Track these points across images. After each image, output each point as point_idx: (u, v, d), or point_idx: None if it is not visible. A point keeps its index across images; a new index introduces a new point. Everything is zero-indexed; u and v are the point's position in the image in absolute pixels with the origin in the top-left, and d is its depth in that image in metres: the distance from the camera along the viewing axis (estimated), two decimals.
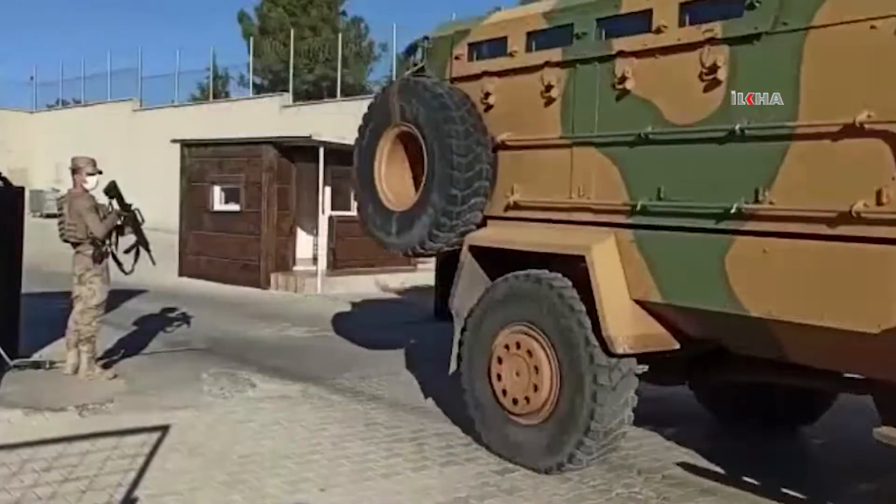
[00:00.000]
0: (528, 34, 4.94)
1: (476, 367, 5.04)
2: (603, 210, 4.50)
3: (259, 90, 29.93)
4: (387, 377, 7.09)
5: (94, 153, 7.06)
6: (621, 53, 4.37)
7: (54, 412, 5.51)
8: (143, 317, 9.56)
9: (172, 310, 9.94)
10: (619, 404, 4.41)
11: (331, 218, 13.93)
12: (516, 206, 5.00)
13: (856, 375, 4.29)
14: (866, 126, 3.40)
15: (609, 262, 4.37)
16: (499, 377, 4.85)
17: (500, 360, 4.84)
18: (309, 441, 5.17)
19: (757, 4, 3.79)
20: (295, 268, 13.79)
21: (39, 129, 34.08)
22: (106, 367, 6.73)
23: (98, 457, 4.62)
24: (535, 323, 4.66)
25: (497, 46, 5.15)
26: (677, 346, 4.51)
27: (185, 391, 6.31)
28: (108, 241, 6.52)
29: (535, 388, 4.62)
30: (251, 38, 29.83)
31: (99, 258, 6.42)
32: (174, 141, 15.10)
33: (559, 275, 4.63)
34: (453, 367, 5.22)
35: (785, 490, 4.51)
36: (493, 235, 5.10)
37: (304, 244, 14.43)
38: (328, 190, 14.06)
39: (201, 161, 14.51)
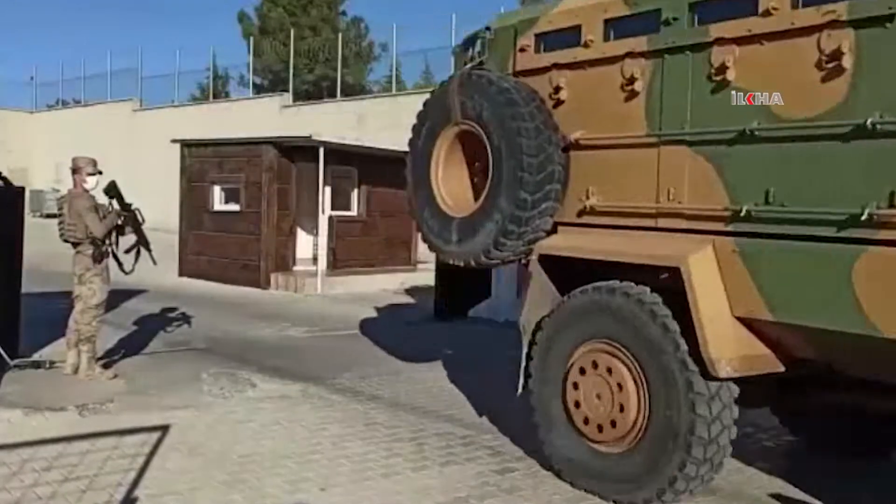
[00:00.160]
0: (606, 22, 4.46)
1: (548, 389, 4.59)
2: (698, 216, 4.03)
3: (259, 90, 29.96)
4: (387, 377, 7.09)
5: (94, 153, 7.06)
6: (720, 41, 3.90)
7: (54, 412, 5.51)
8: (143, 317, 9.56)
9: (172, 310, 9.94)
10: (719, 432, 3.96)
11: (331, 218, 13.95)
12: (592, 212, 4.54)
13: None
14: None
15: (708, 275, 3.90)
16: (577, 405, 4.39)
17: (575, 386, 4.40)
18: (309, 441, 5.17)
19: None
20: (295, 268, 13.80)
21: (39, 129, 34.11)
22: (106, 367, 6.74)
23: (98, 456, 4.62)
24: (618, 341, 4.21)
25: (569, 36, 4.65)
26: (782, 368, 4.07)
27: (185, 391, 6.31)
28: (107, 241, 6.53)
29: (622, 409, 4.17)
30: (251, 38, 29.86)
31: (99, 258, 6.42)
32: (174, 141, 15.11)
33: (647, 289, 4.16)
34: (521, 386, 4.81)
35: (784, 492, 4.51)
36: (569, 244, 4.61)
37: (304, 244, 14.45)
38: (328, 190, 14.07)
39: (201, 161, 14.52)
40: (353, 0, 52.39)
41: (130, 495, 4.12)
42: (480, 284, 10.63)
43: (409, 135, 5.35)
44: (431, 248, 5.27)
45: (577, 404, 4.39)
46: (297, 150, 13.54)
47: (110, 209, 6.55)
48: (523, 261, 4.90)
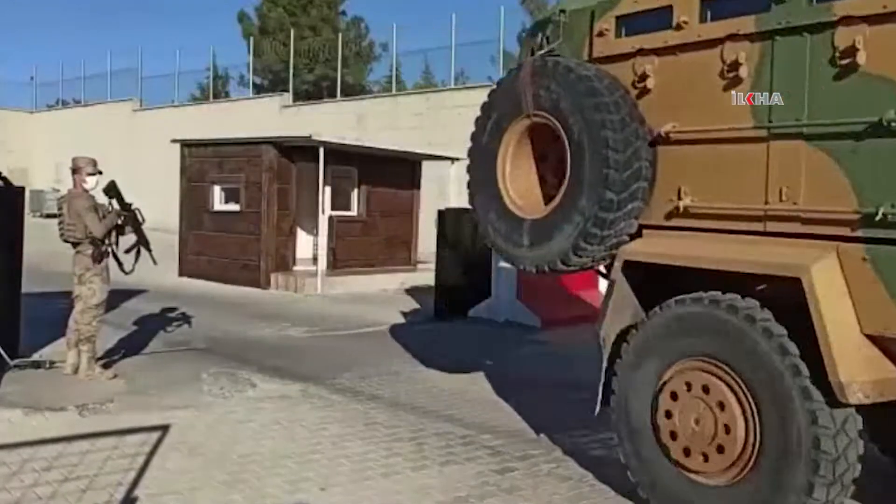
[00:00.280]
0: (703, 1, 4.01)
1: (635, 413, 4.12)
2: (818, 219, 3.57)
3: (259, 90, 29.95)
4: (387, 377, 7.09)
5: (94, 153, 7.07)
6: (846, 20, 3.45)
7: (54, 412, 5.51)
8: (143, 317, 9.56)
9: (172, 310, 9.94)
10: (842, 470, 3.49)
11: (331, 218, 13.95)
12: (685, 214, 4.08)
13: None
14: None
15: (833, 286, 3.46)
16: (673, 436, 3.90)
17: (668, 415, 3.92)
18: (309, 441, 5.17)
19: None
20: (295, 268, 13.80)
21: (39, 129, 34.13)
22: (106, 366, 6.74)
23: (98, 456, 4.63)
24: (721, 360, 3.73)
25: (657, 18, 4.20)
26: None
27: (185, 391, 6.32)
28: (107, 241, 6.53)
29: (727, 430, 3.70)
30: (251, 38, 29.85)
31: (98, 258, 6.43)
32: (174, 141, 15.11)
33: (757, 303, 3.69)
34: (599, 405, 4.34)
35: None
36: (661, 249, 4.14)
37: (304, 244, 14.45)
38: (328, 190, 14.07)
39: (201, 161, 14.52)
40: (353, 0, 52.39)
41: (130, 495, 4.13)
42: (480, 285, 10.64)
43: (472, 129, 4.91)
44: (498, 252, 4.84)
45: (674, 435, 3.89)
46: (297, 150, 13.54)
47: (110, 209, 6.56)
48: (596, 266, 4.53)
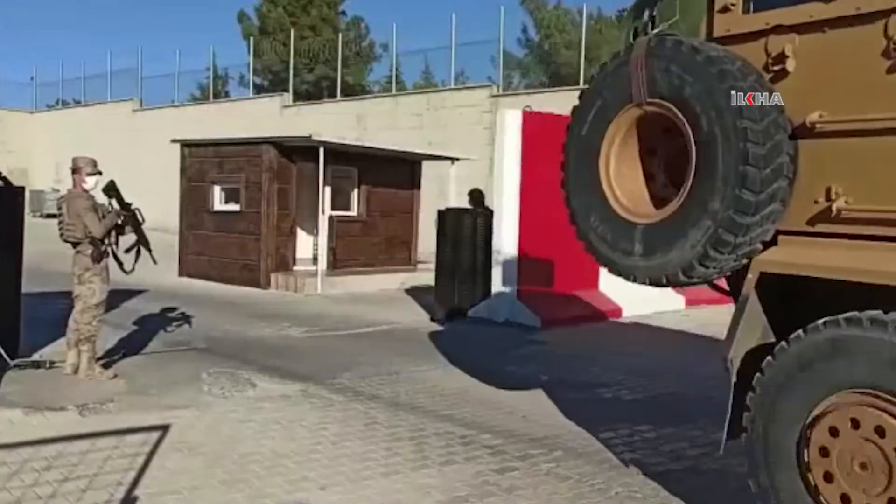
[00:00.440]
0: None
1: (776, 445, 3.52)
2: None
3: (259, 90, 29.96)
4: (387, 377, 7.09)
5: (94, 153, 7.07)
6: None
7: (54, 412, 5.51)
8: (143, 317, 9.56)
9: (172, 310, 9.94)
10: None
11: (331, 218, 13.96)
12: (836, 218, 3.47)
13: None
14: None
15: None
16: (828, 478, 3.32)
17: (824, 452, 3.33)
18: (309, 440, 5.17)
19: None
20: (295, 268, 13.80)
21: (39, 129, 34.15)
22: (106, 366, 6.74)
23: (98, 456, 4.63)
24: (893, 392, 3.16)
25: None
26: None
27: (185, 391, 6.32)
28: (107, 241, 6.53)
29: None
30: (251, 38, 29.86)
31: (98, 258, 6.43)
32: (174, 141, 15.12)
33: None
34: (725, 439, 3.77)
35: None
36: (809, 259, 3.54)
37: (304, 244, 14.45)
38: (328, 190, 14.08)
39: (201, 161, 14.52)
40: (353, 0, 52.39)
41: (130, 494, 4.13)
42: (480, 285, 10.64)
43: (571, 122, 4.32)
44: (601, 261, 4.19)
45: (829, 477, 3.32)
46: (297, 150, 13.54)
47: (110, 209, 6.56)
48: (715, 278, 3.93)
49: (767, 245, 3.68)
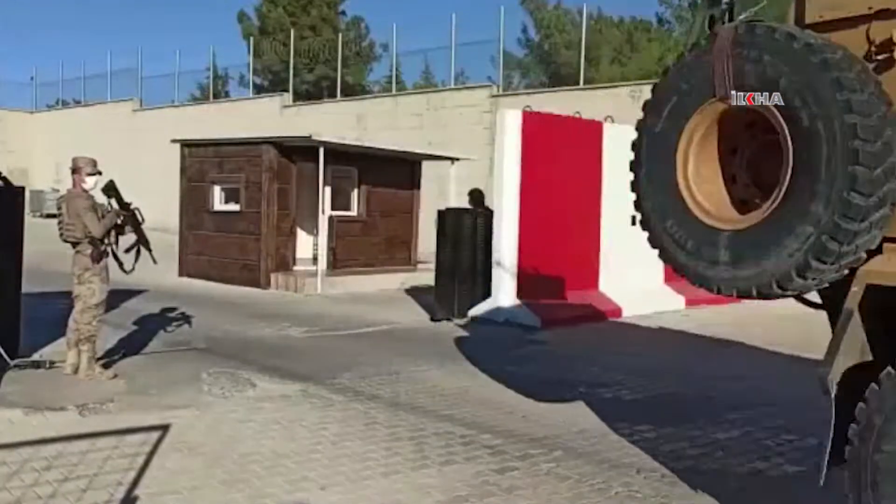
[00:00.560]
0: None
1: (890, 477, 3.18)
2: None
3: (259, 90, 29.96)
4: (387, 377, 7.09)
5: (94, 153, 7.06)
6: None
7: (54, 412, 5.51)
8: (143, 317, 9.56)
9: (172, 310, 9.94)
10: None
11: (331, 218, 13.96)
12: None
13: None
14: None
15: None
16: None
17: None
18: (309, 440, 5.17)
19: None
20: (295, 268, 13.81)
21: (39, 129, 34.16)
22: (106, 366, 6.74)
23: (98, 456, 4.63)
24: None
25: None
26: None
27: (185, 391, 6.32)
28: (107, 241, 6.53)
29: None
30: (251, 38, 29.87)
31: (97, 258, 6.43)
32: (174, 141, 15.12)
33: None
34: (826, 467, 3.37)
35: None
36: None
37: (304, 244, 14.45)
38: (328, 190, 14.08)
39: (201, 161, 14.53)
40: (353, 0, 52.39)
41: (131, 494, 4.13)
42: (480, 284, 10.64)
43: (641, 116, 3.92)
44: (679, 271, 3.77)
45: None
46: (297, 150, 13.54)
47: (109, 209, 6.56)
48: (807, 291, 3.57)
49: (871, 254, 3.34)
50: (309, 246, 14.58)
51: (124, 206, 6.63)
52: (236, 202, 13.95)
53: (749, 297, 3.52)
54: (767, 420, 5.85)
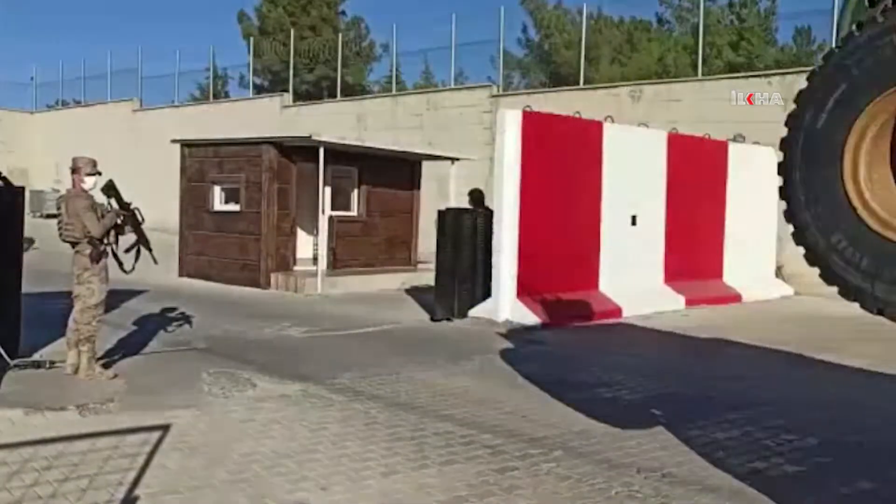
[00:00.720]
0: None
1: None
2: None
3: (259, 90, 29.96)
4: (387, 377, 7.09)
5: (94, 153, 7.06)
6: None
7: (55, 412, 5.51)
8: (143, 317, 9.56)
9: (172, 310, 9.94)
10: None
11: (331, 218, 13.97)
12: None
13: None
14: None
15: None
16: None
17: None
18: (309, 440, 5.17)
19: None
20: (295, 268, 13.81)
21: (39, 129, 34.14)
22: (106, 366, 6.74)
23: (98, 456, 4.63)
24: None
25: None
26: None
27: (186, 391, 6.32)
28: (106, 241, 6.53)
29: None
30: (251, 39, 29.86)
31: (97, 258, 6.42)
32: (174, 141, 15.12)
33: None
34: None
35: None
36: None
37: (304, 244, 14.46)
38: (328, 190, 14.08)
39: (201, 161, 14.53)
40: (353, 0, 52.38)
41: (131, 494, 4.13)
42: (480, 285, 10.64)
43: (794, 108, 3.23)
44: (851, 294, 3.04)
45: None
46: (297, 150, 13.55)
47: (109, 208, 6.55)
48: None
49: None
50: (309, 246, 14.59)
51: (124, 205, 6.62)
52: (236, 202, 13.95)
53: None
54: (767, 420, 5.86)
